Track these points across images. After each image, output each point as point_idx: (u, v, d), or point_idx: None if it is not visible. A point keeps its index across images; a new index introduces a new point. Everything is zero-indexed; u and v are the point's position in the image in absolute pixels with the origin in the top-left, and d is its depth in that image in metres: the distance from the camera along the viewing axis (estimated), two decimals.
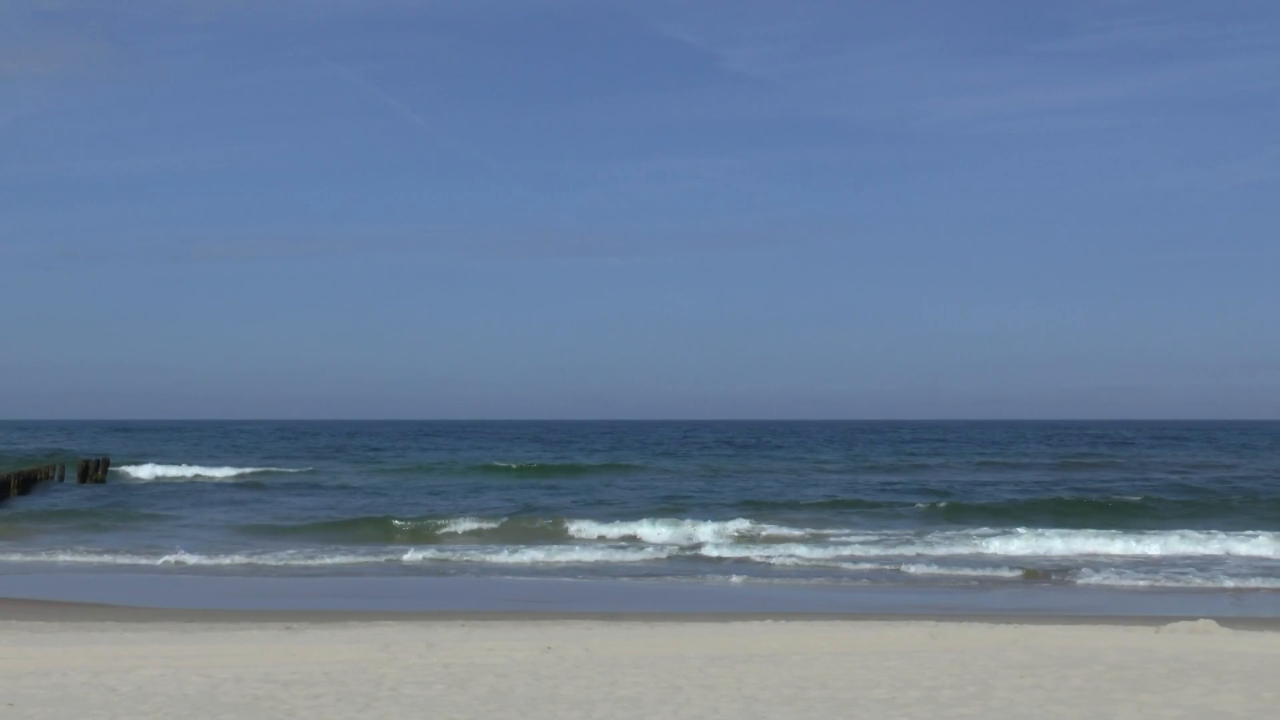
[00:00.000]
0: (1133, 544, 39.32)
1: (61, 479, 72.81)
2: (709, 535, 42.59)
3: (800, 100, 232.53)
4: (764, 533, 43.15)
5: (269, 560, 37.51)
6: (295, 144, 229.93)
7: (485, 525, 45.90)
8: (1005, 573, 34.71)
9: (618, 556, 38.34)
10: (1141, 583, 32.92)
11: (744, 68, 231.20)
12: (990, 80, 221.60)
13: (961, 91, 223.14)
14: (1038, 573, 34.44)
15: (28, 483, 66.15)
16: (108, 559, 37.66)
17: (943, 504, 54.31)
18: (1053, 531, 41.79)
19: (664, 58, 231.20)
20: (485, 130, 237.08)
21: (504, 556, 37.83)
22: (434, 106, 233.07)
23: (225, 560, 37.26)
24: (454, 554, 38.72)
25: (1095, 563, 36.18)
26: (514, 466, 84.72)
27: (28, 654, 18.29)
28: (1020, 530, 42.06)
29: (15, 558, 38.08)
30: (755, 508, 52.44)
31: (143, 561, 37.15)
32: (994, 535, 41.34)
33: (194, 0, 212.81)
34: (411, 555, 38.03)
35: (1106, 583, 32.94)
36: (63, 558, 38.00)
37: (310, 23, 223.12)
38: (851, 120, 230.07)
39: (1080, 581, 33.19)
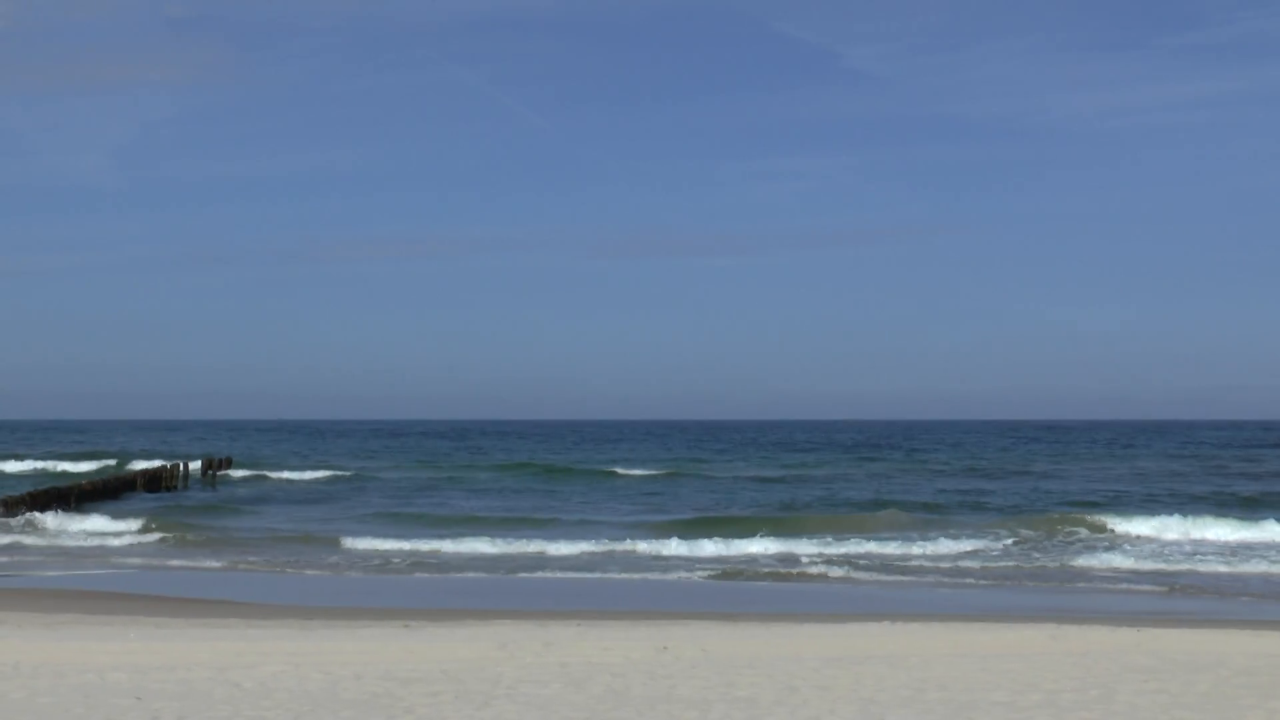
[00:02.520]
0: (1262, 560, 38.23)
1: (186, 479, 74.07)
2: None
3: (918, 97, 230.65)
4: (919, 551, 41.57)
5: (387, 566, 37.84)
6: (414, 146, 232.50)
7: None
8: (1140, 585, 34.19)
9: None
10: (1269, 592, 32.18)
11: (861, 65, 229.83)
12: (1113, 75, 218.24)
13: (1083, 87, 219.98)
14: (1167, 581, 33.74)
15: (153, 482, 67.41)
16: (231, 556, 38.23)
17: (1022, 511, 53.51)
18: (1179, 541, 41.13)
19: (780, 56, 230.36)
20: (602, 130, 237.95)
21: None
22: (552, 107, 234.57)
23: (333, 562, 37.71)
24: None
25: (1217, 574, 35.09)
26: (636, 474, 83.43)
27: (154, 649, 18.62)
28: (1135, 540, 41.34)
29: (141, 559, 38.82)
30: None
31: (264, 559, 37.70)
32: (1108, 546, 40.51)
33: (316, 5, 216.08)
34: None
35: (1228, 588, 32.25)
36: (186, 555, 38.67)
37: (430, 25, 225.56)
38: (970, 117, 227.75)
39: (1199, 586, 32.59)
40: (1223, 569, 35.16)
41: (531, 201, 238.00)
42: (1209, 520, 44.36)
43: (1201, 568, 35.44)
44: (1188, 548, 39.05)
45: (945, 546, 39.72)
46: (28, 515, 46.75)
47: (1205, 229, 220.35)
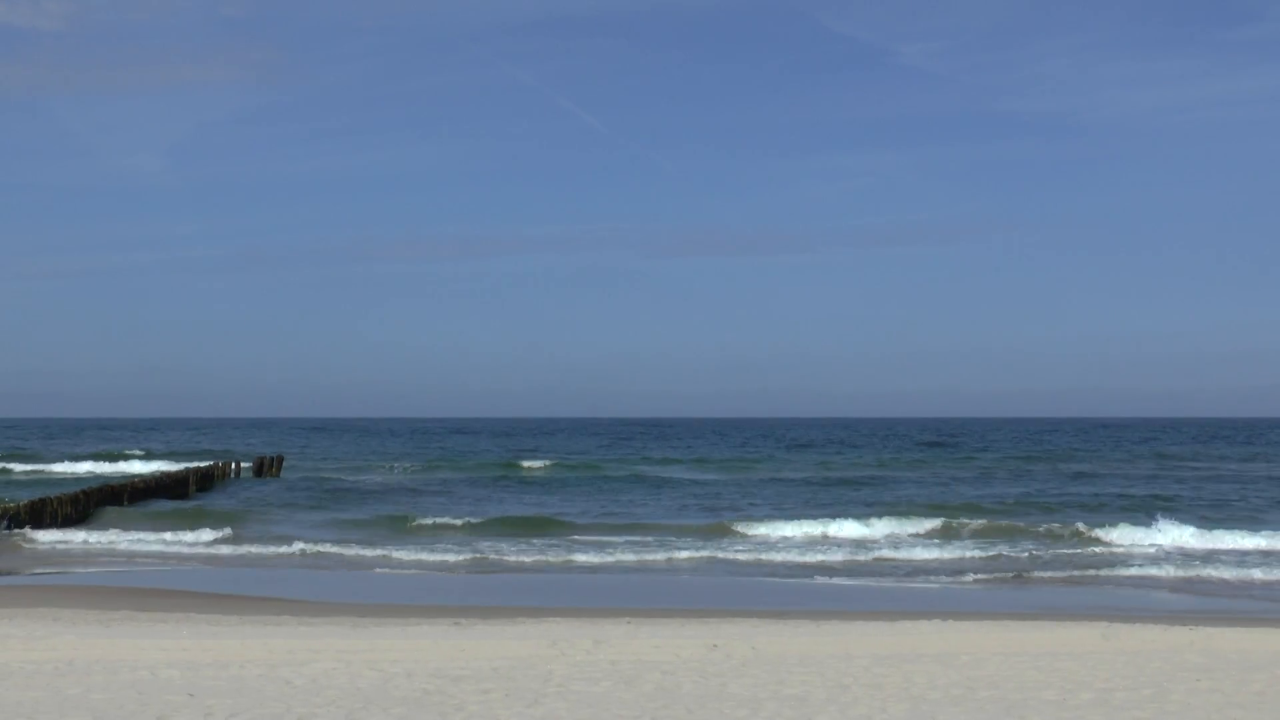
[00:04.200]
0: None
1: (238, 476, 74.56)
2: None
3: (973, 95, 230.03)
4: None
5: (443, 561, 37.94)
6: (468, 145, 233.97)
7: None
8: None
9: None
10: None
11: (917, 62, 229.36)
12: (1168, 71, 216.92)
13: (1140, 83, 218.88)
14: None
15: (205, 479, 67.91)
16: (284, 552, 38.42)
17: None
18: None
19: (834, 54, 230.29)
20: (656, 129, 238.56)
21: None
22: (606, 106, 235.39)
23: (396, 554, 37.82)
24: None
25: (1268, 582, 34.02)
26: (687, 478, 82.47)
27: (207, 646, 18.75)
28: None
29: (193, 557, 39.07)
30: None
31: (315, 557, 37.88)
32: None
33: (369, 5, 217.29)
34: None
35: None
36: (236, 554, 38.91)
37: (483, 25, 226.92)
38: (1026, 114, 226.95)
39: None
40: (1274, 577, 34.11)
41: (585, 201, 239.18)
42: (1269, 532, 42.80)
43: (1247, 575, 34.31)
44: (1238, 556, 37.97)
45: (994, 547, 39.52)
46: (81, 516, 47.15)
47: (1265, 224, 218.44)
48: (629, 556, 37.79)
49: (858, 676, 16.29)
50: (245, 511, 52.62)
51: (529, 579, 33.47)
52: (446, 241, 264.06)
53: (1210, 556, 37.24)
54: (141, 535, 42.73)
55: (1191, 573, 34.15)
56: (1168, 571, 34.50)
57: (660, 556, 37.65)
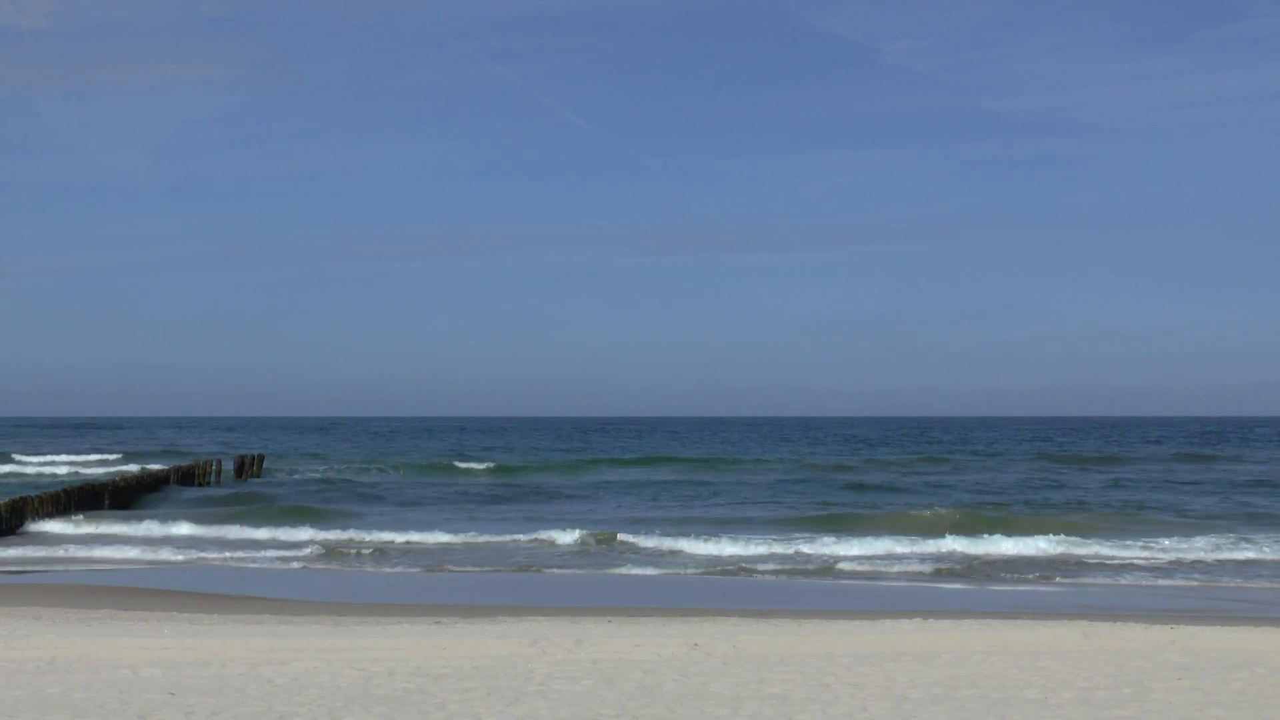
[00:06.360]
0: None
1: (219, 476, 74.34)
2: None
3: (958, 93, 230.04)
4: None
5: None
6: (452, 143, 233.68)
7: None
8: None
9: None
10: None
11: (901, 60, 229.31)
12: (1155, 69, 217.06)
13: (1125, 81, 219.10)
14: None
15: (186, 478, 67.75)
16: (267, 553, 38.36)
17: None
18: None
19: (819, 51, 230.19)
20: (640, 127, 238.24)
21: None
22: (590, 104, 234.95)
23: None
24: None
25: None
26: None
27: (188, 645, 18.71)
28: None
29: (172, 553, 38.98)
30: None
31: (291, 555, 37.83)
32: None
33: (353, 3, 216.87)
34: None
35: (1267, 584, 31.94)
36: (219, 552, 38.82)
37: (467, 22, 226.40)
38: (1011, 113, 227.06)
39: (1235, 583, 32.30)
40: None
41: (569, 199, 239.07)
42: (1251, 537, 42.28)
43: (1222, 579, 33.68)
44: (1217, 560, 37.70)
45: (965, 550, 39.59)
46: (60, 516, 47.02)
47: (1248, 224, 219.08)
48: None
49: (839, 675, 16.30)
50: (223, 511, 52.47)
51: (506, 577, 33.43)
52: (429, 239, 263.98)
53: (1190, 563, 37.23)
54: (118, 538, 42.51)
55: (1172, 580, 34.11)
56: (1144, 580, 34.36)
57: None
